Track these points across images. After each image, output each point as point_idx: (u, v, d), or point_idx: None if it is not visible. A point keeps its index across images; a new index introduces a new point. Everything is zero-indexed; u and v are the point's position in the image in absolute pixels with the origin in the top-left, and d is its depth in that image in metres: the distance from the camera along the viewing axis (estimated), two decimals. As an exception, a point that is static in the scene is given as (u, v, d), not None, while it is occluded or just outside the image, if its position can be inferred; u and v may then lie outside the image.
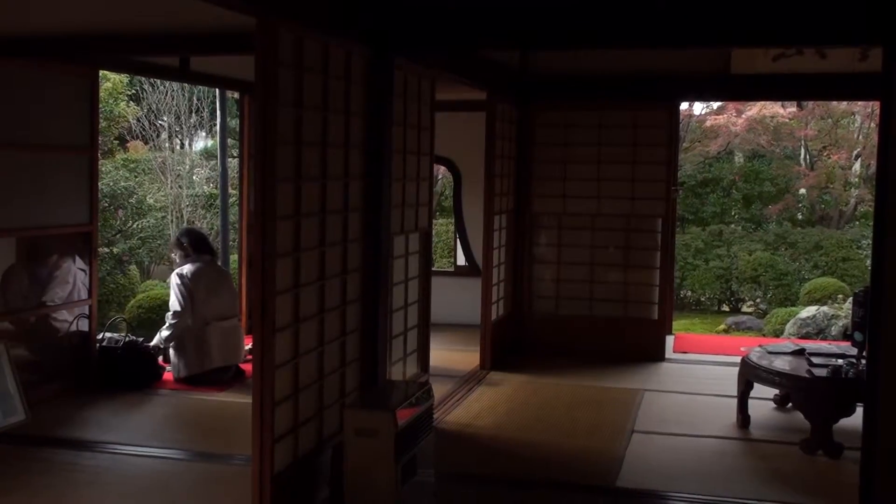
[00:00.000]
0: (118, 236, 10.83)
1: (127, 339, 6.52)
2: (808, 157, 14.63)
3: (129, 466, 4.81)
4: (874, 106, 11.45)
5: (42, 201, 5.94)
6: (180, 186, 12.36)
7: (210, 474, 4.75)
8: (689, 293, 11.47)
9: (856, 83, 6.83)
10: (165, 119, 13.05)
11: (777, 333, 9.43)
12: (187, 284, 6.37)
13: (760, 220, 14.06)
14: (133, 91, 12.80)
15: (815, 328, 9.08)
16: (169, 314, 6.41)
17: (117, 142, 13.23)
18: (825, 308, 9.38)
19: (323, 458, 4.38)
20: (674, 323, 8.90)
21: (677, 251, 10.51)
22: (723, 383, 6.56)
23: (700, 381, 6.90)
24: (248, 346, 5.80)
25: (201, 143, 14.78)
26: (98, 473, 4.69)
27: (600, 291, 7.80)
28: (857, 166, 13.91)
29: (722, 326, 10.46)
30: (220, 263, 6.73)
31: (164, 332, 6.41)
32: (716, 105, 14.24)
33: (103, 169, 10.64)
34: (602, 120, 7.69)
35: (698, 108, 14.57)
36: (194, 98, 13.07)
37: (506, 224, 7.59)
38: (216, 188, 11.56)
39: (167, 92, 12.70)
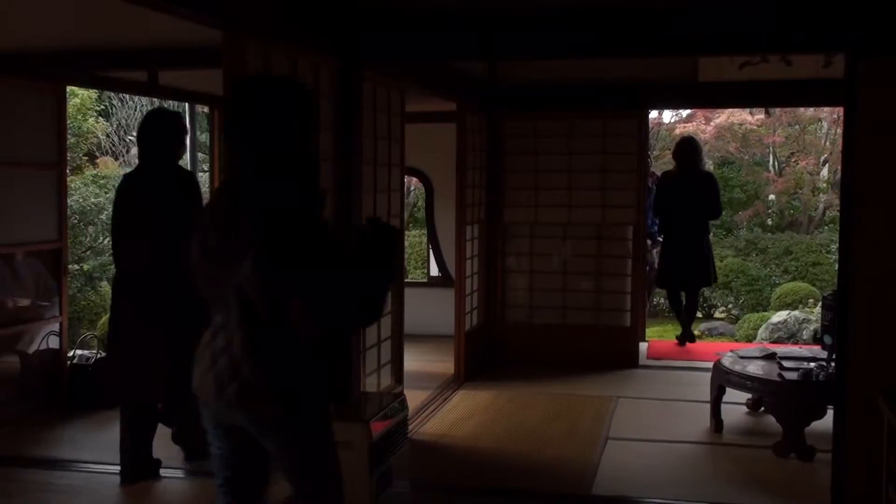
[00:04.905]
0: (88, 253, 10.72)
1: (98, 356, 6.47)
2: (776, 163, 14.76)
3: (102, 484, 4.76)
4: (839, 112, 11.57)
5: (9, 218, 5.89)
6: (151, 202, 12.25)
7: (184, 489, 4.71)
8: (663, 300, 11.51)
9: (821, 89, 6.93)
10: (135, 134, 12.96)
11: (749, 338, 9.50)
12: None
13: (731, 226, 14.16)
14: (102, 107, 12.69)
15: (787, 332, 9.15)
16: None
17: (86, 158, 13.11)
18: (796, 312, 9.46)
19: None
20: (647, 330, 8.95)
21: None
22: (696, 389, 6.60)
23: (673, 387, 6.94)
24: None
25: (172, 158, 14.68)
26: (70, 492, 4.65)
27: (573, 300, 7.83)
28: (824, 172, 14.03)
29: (696, 333, 10.52)
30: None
31: None
32: (685, 113, 14.34)
33: (73, 185, 10.54)
34: (572, 129, 7.73)
35: (667, 116, 14.66)
36: (164, 113, 12.99)
37: (478, 234, 7.60)
38: (187, 203, 11.45)
39: (136, 107, 12.62)
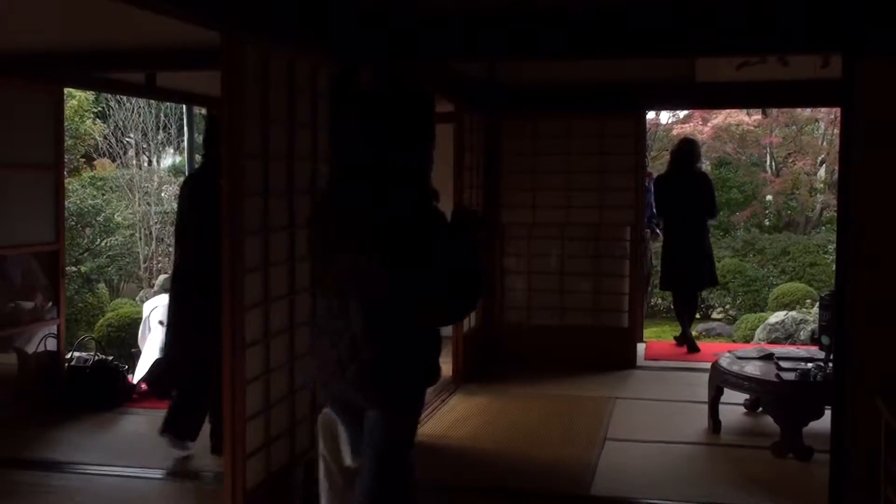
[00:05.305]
0: (86, 255, 10.72)
1: (96, 358, 6.47)
2: (773, 163, 14.76)
3: (100, 486, 4.76)
4: (837, 112, 11.57)
5: (6, 219, 5.88)
6: (148, 204, 12.26)
7: (182, 492, 4.71)
8: (660, 301, 11.52)
9: (818, 90, 6.92)
10: (132, 136, 12.95)
11: (747, 339, 9.50)
12: None
13: (728, 227, 14.17)
14: (99, 108, 12.69)
15: (785, 333, 9.15)
16: None
17: (84, 160, 13.11)
18: (793, 313, 9.46)
19: (296, 474, 4.36)
20: (645, 331, 8.95)
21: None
22: (694, 389, 6.60)
23: (671, 388, 6.94)
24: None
25: (169, 159, 14.67)
26: (69, 494, 4.64)
27: (571, 300, 7.82)
28: (821, 172, 14.05)
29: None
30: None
31: None
32: (682, 114, 14.35)
33: (70, 187, 10.55)
34: (570, 129, 7.73)
35: (665, 117, 14.67)
36: (161, 115, 12.99)
37: (476, 235, 7.57)
38: (184, 204, 11.43)
39: (134, 109, 12.60)
